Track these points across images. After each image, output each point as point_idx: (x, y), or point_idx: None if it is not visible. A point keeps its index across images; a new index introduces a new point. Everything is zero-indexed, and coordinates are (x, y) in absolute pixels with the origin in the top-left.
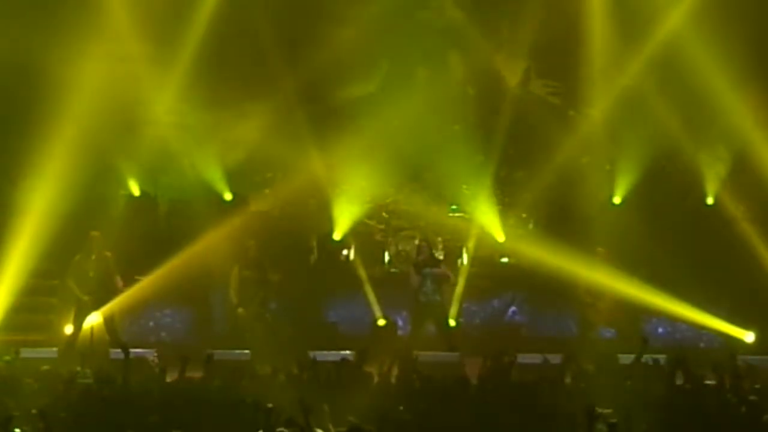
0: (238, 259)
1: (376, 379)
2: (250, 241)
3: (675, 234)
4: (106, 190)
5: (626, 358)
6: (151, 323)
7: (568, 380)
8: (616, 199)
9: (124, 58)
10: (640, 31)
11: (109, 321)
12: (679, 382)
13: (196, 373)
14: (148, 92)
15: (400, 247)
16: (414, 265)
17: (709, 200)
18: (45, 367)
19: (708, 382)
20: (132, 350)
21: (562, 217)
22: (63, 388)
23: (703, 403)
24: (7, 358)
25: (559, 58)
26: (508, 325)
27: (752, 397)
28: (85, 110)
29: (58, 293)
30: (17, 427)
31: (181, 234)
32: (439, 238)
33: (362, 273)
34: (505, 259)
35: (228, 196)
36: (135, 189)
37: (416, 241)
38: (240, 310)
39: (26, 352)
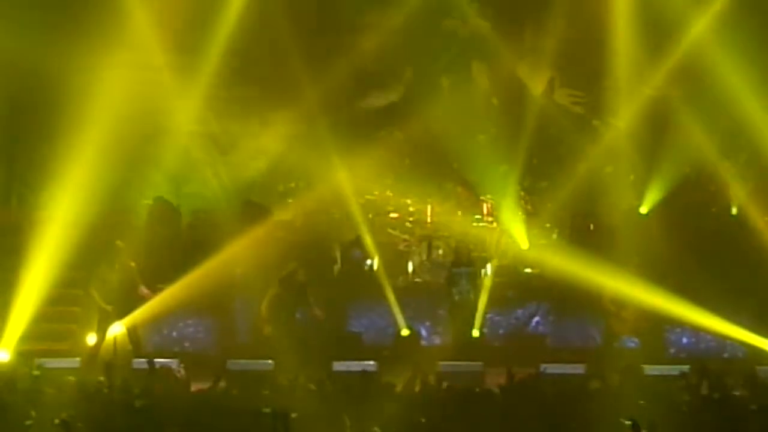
0: (273, 277)
1: (398, 389)
2: (293, 263)
3: (699, 244)
4: (129, 199)
5: (650, 369)
6: (174, 333)
7: (592, 391)
8: (641, 209)
9: (149, 67)
10: (664, 40)
11: (132, 331)
12: (703, 392)
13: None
14: (172, 101)
15: (424, 257)
16: (451, 264)
17: (734, 210)
18: (68, 377)
19: (733, 392)
20: (155, 360)
21: (586, 227)
22: (86, 398)
23: (727, 412)
24: (37, 372)
25: (583, 68)
26: (532, 335)
27: None
28: (109, 119)
29: (81, 303)
30: None
31: (204, 243)
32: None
33: (386, 283)
34: (529, 270)
35: (248, 203)
36: (158, 198)
37: (453, 243)
38: (268, 328)
39: (49, 362)
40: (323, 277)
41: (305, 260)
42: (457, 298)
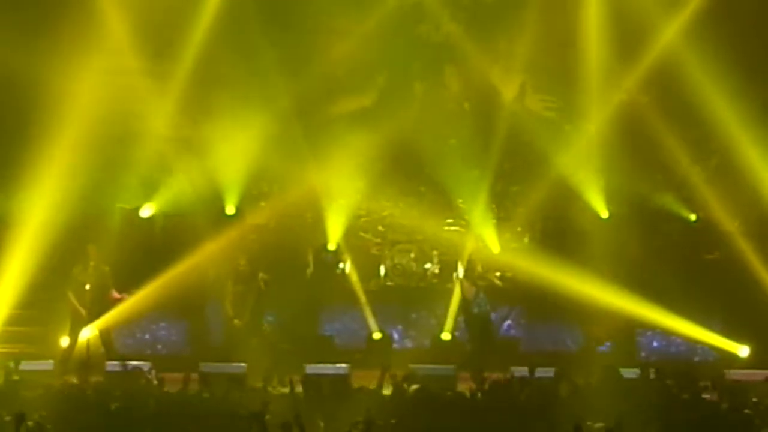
0: (230, 275)
1: (370, 392)
2: (242, 258)
3: (670, 248)
4: (102, 203)
5: (622, 372)
6: (147, 336)
7: (562, 394)
8: (612, 214)
9: (122, 72)
10: (636, 46)
11: (104, 334)
12: (671, 393)
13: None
14: (145, 105)
15: (395, 261)
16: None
17: (704, 215)
18: (41, 380)
19: (703, 395)
20: (128, 362)
21: (557, 232)
22: (59, 400)
23: (697, 415)
24: (16, 377)
25: (555, 73)
26: (504, 339)
27: (746, 411)
28: (83, 123)
29: (55, 305)
30: None
31: (177, 247)
32: (435, 252)
33: (358, 286)
34: (500, 274)
35: (229, 209)
36: (131, 202)
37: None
38: (236, 321)
39: (23, 365)
40: (296, 280)
41: (277, 263)
42: (476, 311)
